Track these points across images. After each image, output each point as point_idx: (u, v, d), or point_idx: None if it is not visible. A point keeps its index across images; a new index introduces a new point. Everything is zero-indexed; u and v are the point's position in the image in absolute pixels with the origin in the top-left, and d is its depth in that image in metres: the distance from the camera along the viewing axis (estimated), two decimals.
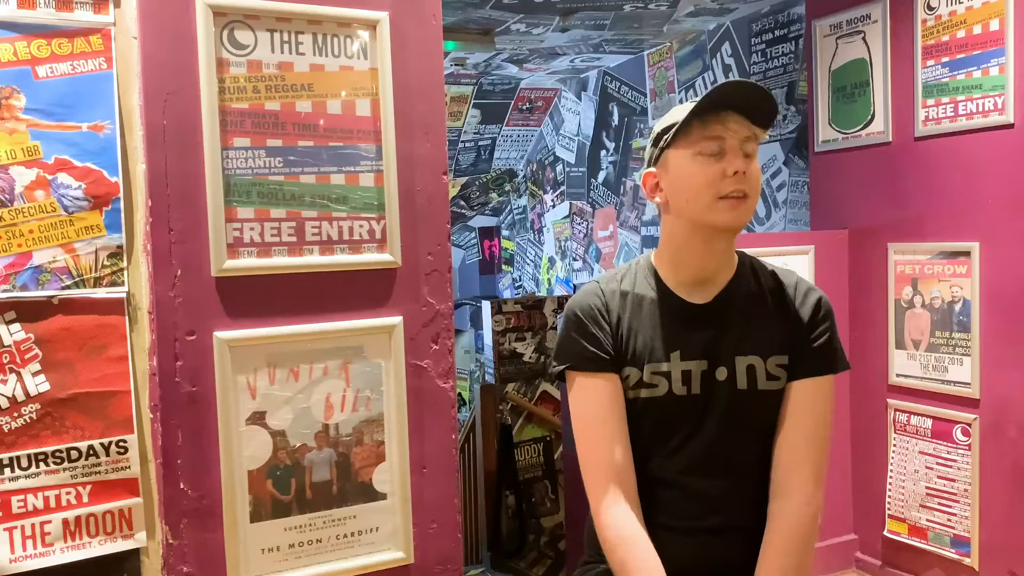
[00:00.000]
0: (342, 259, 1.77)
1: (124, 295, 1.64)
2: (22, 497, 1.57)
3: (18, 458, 1.57)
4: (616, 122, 5.23)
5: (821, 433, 1.51)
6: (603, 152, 5.40)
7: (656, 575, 1.43)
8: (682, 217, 1.49)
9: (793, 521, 1.46)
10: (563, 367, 1.56)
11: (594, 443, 1.52)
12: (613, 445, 1.50)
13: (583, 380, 1.54)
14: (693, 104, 1.45)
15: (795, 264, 2.91)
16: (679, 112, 1.47)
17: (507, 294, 6.80)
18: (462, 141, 5.96)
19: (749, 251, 1.63)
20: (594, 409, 1.52)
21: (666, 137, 1.47)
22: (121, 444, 1.64)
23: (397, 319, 1.82)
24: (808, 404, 1.51)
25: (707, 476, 1.50)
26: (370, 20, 1.78)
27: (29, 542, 1.58)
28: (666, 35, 4.43)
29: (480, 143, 6.08)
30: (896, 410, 2.92)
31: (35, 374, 1.58)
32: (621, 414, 1.52)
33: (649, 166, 1.54)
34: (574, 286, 5.70)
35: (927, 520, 2.82)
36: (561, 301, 4.29)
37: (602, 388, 1.51)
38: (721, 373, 1.50)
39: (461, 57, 4.69)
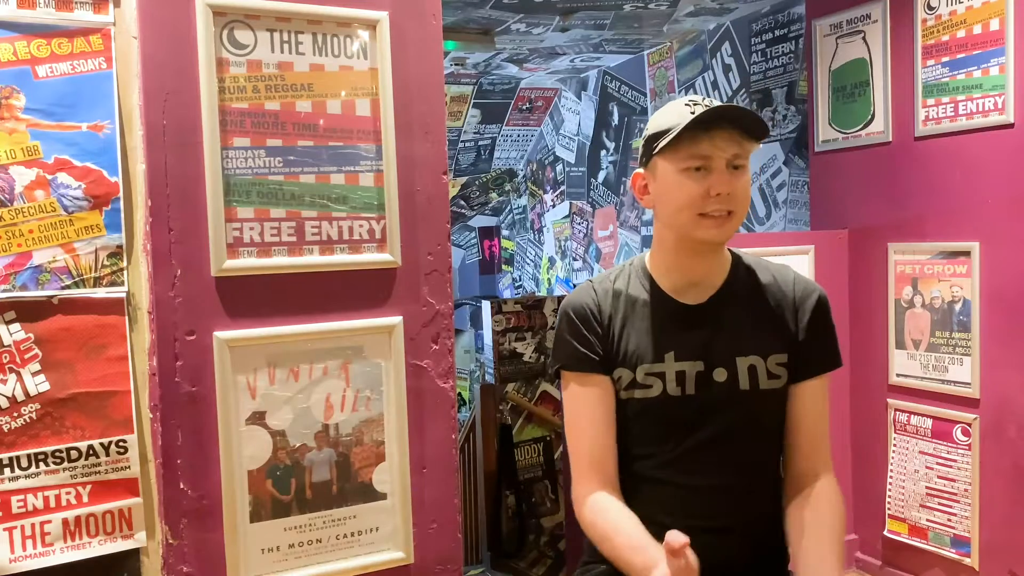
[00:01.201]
0: (342, 259, 1.77)
1: (124, 295, 1.64)
2: (22, 497, 1.57)
3: (18, 458, 1.57)
4: (616, 122, 5.23)
5: (828, 423, 1.59)
6: (603, 152, 5.40)
7: (633, 527, 1.45)
8: (668, 225, 1.51)
9: (832, 496, 1.55)
10: (557, 367, 1.58)
11: (580, 439, 1.55)
12: (598, 441, 1.53)
13: (574, 380, 1.55)
14: (686, 104, 1.44)
15: (795, 264, 2.89)
16: (671, 114, 1.46)
17: (507, 294, 6.80)
18: (462, 141, 5.96)
19: (749, 251, 1.63)
20: (583, 409, 1.54)
21: (655, 145, 1.47)
22: (121, 444, 1.64)
23: (397, 319, 1.82)
24: (819, 401, 1.56)
25: (704, 475, 1.50)
26: (370, 20, 1.77)
27: (29, 542, 1.58)
28: (666, 35, 4.43)
29: (480, 143, 6.08)
30: (896, 410, 2.92)
31: (35, 374, 1.58)
32: (609, 414, 1.53)
33: (640, 166, 1.54)
34: (574, 286, 5.70)
35: (927, 520, 2.82)
36: (561, 301, 4.28)
37: (591, 389, 1.53)
38: (720, 374, 1.50)
39: (461, 57, 4.69)
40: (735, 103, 3.80)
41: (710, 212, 1.43)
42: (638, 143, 4.96)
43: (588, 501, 1.52)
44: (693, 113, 1.41)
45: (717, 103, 1.43)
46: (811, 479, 1.55)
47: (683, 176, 1.44)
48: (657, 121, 1.49)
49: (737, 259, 1.59)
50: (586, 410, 1.54)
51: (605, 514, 1.49)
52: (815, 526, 1.50)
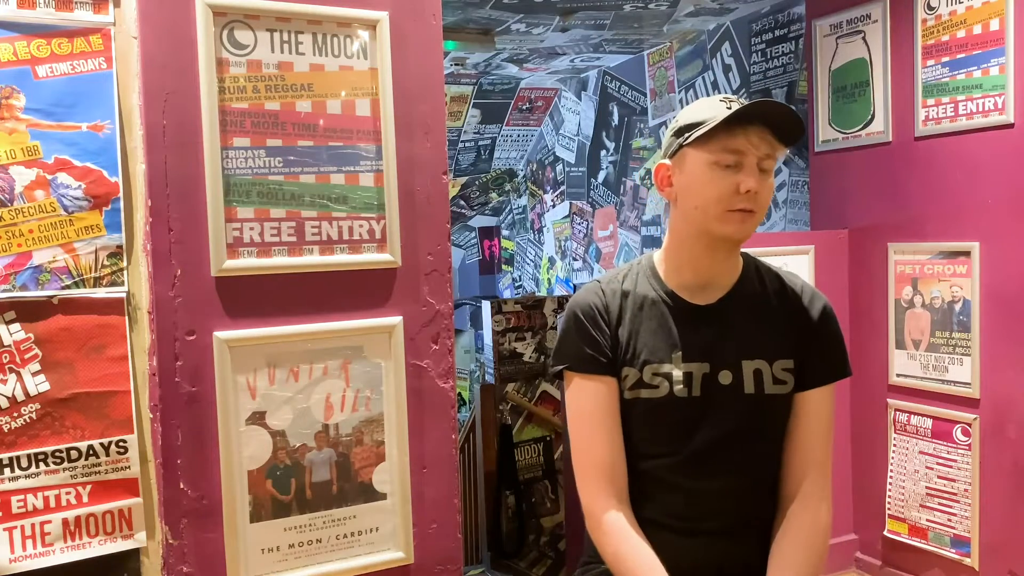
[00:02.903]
0: (342, 259, 1.77)
1: (124, 295, 1.64)
2: (22, 497, 1.57)
3: (18, 458, 1.57)
4: (616, 122, 5.23)
5: (830, 434, 1.55)
6: (603, 152, 5.40)
7: (649, 561, 1.45)
8: (688, 219, 1.49)
9: (813, 518, 1.49)
10: (561, 367, 1.56)
11: (589, 442, 1.53)
12: (606, 445, 1.51)
13: (580, 381, 1.54)
14: (721, 100, 1.44)
15: (795, 264, 2.91)
16: (706, 109, 1.45)
17: (507, 294, 6.80)
18: (462, 141, 5.96)
19: (750, 251, 1.63)
20: (590, 410, 1.53)
21: (688, 135, 1.45)
22: (121, 444, 1.64)
23: (397, 319, 1.82)
24: (821, 410, 1.53)
25: (708, 478, 1.50)
26: (370, 20, 1.77)
27: (29, 542, 1.58)
28: (666, 35, 4.43)
29: (480, 143, 6.08)
30: (896, 410, 2.92)
31: (35, 374, 1.58)
32: (616, 416, 1.52)
33: (665, 157, 1.52)
34: (574, 286, 5.70)
35: (927, 520, 2.82)
36: (561, 301, 4.29)
37: (597, 390, 1.52)
38: (725, 377, 1.49)
39: (461, 57, 4.68)
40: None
41: (736, 208, 1.43)
42: (639, 143, 4.98)
43: (605, 521, 1.50)
44: (729, 108, 1.41)
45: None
46: (801, 505, 1.50)
47: (713, 170, 1.43)
48: (689, 114, 1.48)
49: (749, 261, 1.58)
50: (594, 414, 1.52)
51: (626, 542, 1.48)
52: (793, 559, 1.47)
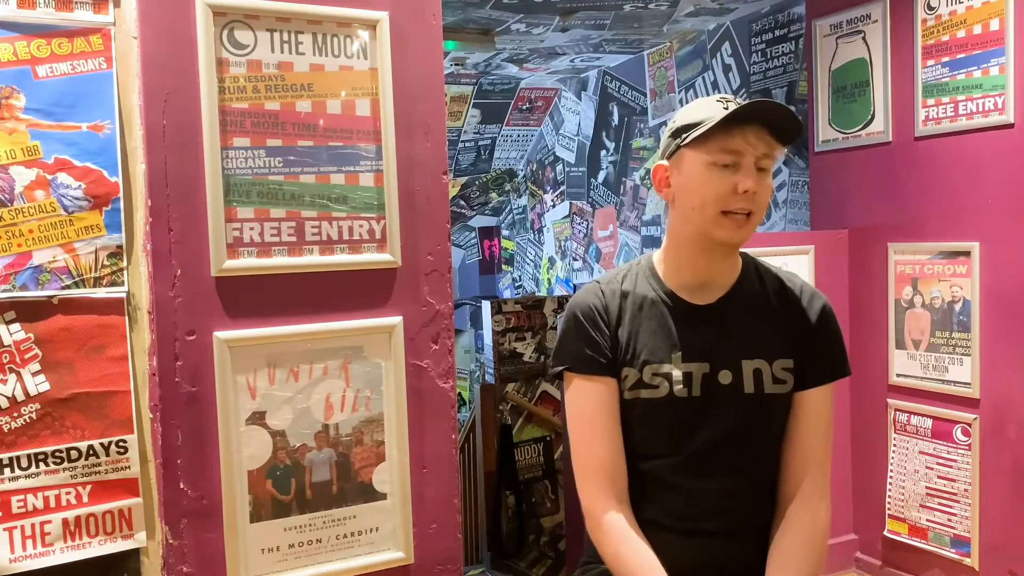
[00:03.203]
0: (342, 259, 1.77)
1: (124, 295, 1.64)
2: (22, 497, 1.57)
3: (18, 458, 1.57)
4: (616, 122, 5.23)
5: (829, 434, 1.55)
6: (603, 152, 5.40)
7: (649, 561, 1.45)
8: (686, 220, 1.49)
9: (812, 517, 1.49)
10: (561, 368, 1.56)
11: (589, 442, 1.53)
12: (606, 445, 1.51)
13: (580, 381, 1.54)
14: (718, 100, 1.43)
15: (795, 264, 2.91)
16: (703, 109, 1.45)
17: (507, 294, 6.80)
18: (462, 141, 5.96)
19: (750, 251, 1.63)
20: (591, 410, 1.52)
21: (685, 136, 1.45)
22: (121, 444, 1.64)
23: (397, 319, 1.82)
24: (820, 409, 1.53)
25: (708, 478, 1.50)
26: (370, 20, 1.78)
27: (29, 542, 1.58)
28: (666, 35, 4.43)
29: (480, 143, 6.08)
30: (896, 410, 2.92)
31: (35, 374, 1.58)
32: (616, 416, 1.52)
33: (663, 158, 1.52)
34: (574, 286, 5.70)
35: (927, 520, 2.82)
36: (561, 301, 4.29)
37: (597, 390, 1.52)
38: (725, 376, 1.49)
39: (461, 57, 4.69)
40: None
41: (733, 210, 1.42)
42: (639, 143, 4.98)
43: (606, 522, 1.49)
44: (726, 109, 1.41)
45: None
46: (800, 505, 1.50)
47: (711, 171, 1.43)
48: (687, 114, 1.48)
49: (748, 261, 1.58)
50: (595, 416, 1.52)
51: (626, 543, 1.47)
52: (793, 562, 1.47)
